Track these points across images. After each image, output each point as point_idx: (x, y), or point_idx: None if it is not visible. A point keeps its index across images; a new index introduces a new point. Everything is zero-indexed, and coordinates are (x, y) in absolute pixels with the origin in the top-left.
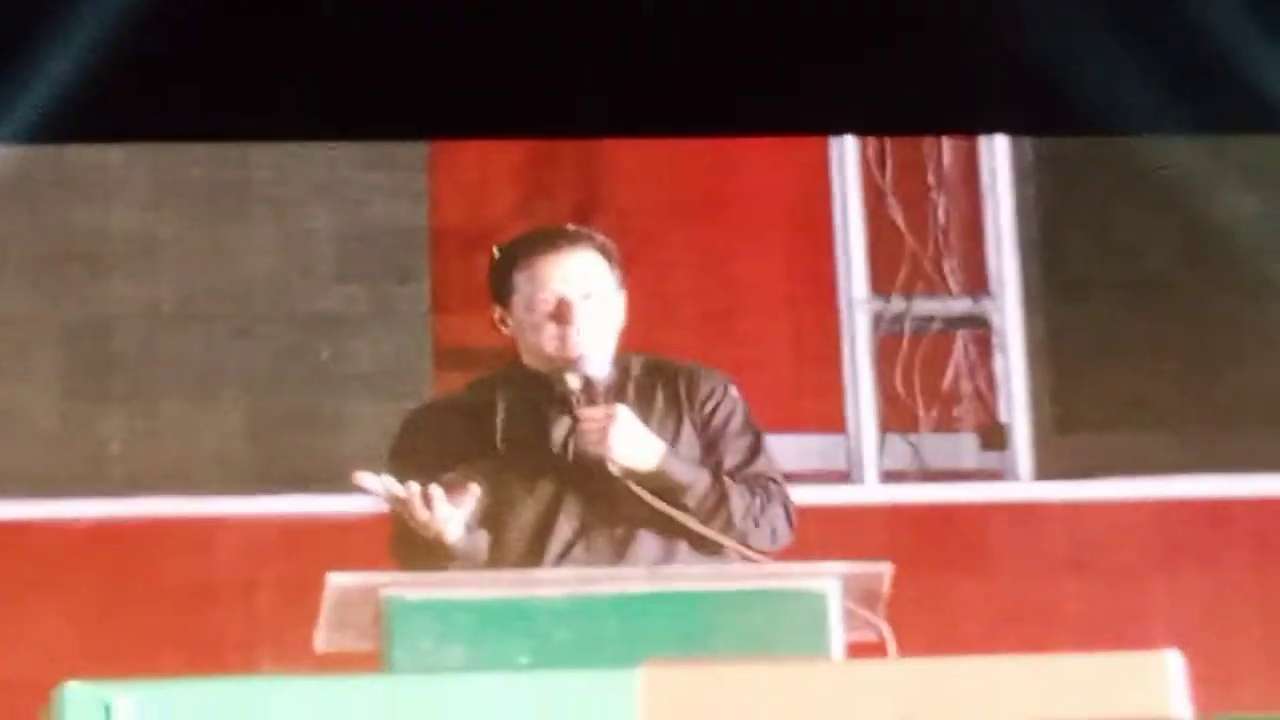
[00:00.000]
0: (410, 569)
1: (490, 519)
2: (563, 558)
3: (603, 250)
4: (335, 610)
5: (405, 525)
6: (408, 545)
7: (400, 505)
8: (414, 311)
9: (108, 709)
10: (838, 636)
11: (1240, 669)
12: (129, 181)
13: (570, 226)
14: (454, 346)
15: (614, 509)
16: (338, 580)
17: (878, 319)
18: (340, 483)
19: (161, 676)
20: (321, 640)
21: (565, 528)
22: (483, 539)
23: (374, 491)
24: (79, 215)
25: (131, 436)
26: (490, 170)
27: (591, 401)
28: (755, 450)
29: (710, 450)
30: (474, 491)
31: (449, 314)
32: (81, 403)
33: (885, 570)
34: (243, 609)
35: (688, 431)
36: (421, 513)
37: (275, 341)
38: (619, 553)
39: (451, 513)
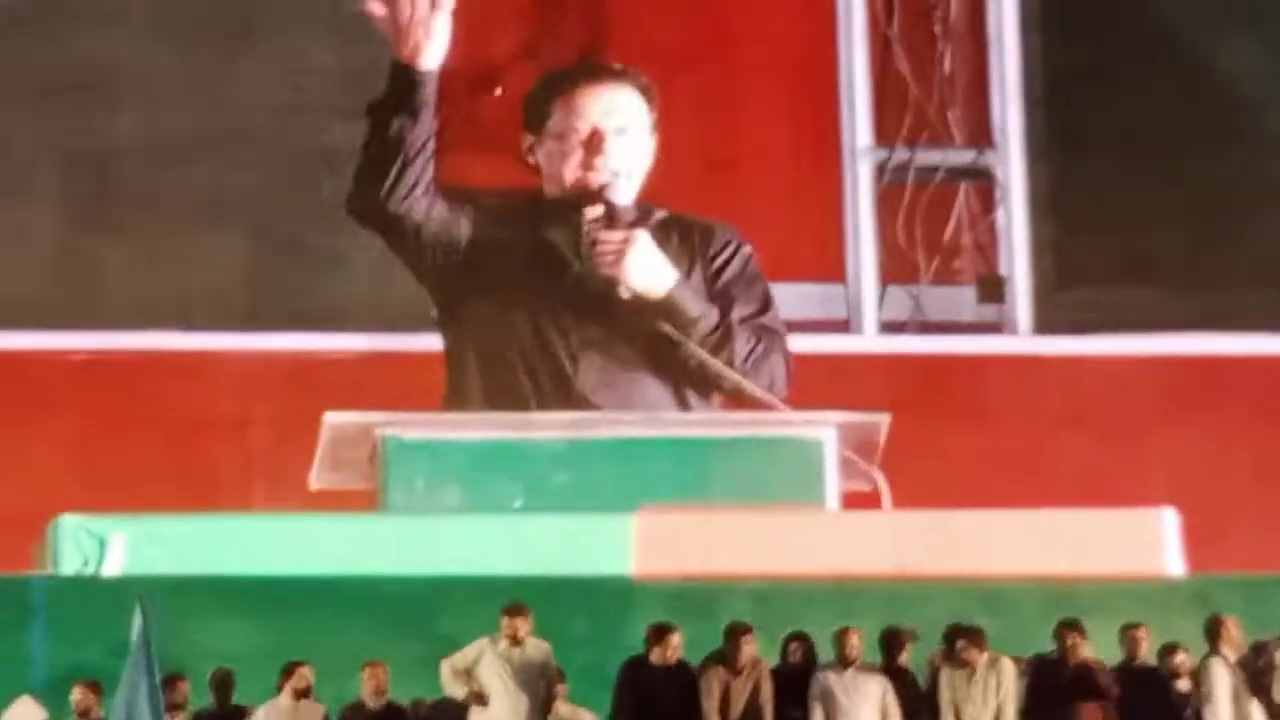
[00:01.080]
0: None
1: (491, 349)
2: (562, 391)
3: (643, 90)
4: (331, 449)
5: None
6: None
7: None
8: None
9: (102, 542)
10: (833, 485)
11: (1234, 527)
12: (131, 12)
13: (615, 65)
14: (456, 186)
15: (615, 339)
16: (334, 419)
17: (880, 169)
18: (339, 321)
19: (155, 511)
20: (316, 478)
21: (567, 357)
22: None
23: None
24: (81, 44)
25: (129, 269)
26: (495, 11)
27: (611, 226)
28: (765, 304)
29: (721, 299)
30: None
31: (451, 152)
32: (80, 234)
33: (882, 420)
34: (238, 445)
35: (697, 278)
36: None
37: (276, 176)
38: (613, 390)
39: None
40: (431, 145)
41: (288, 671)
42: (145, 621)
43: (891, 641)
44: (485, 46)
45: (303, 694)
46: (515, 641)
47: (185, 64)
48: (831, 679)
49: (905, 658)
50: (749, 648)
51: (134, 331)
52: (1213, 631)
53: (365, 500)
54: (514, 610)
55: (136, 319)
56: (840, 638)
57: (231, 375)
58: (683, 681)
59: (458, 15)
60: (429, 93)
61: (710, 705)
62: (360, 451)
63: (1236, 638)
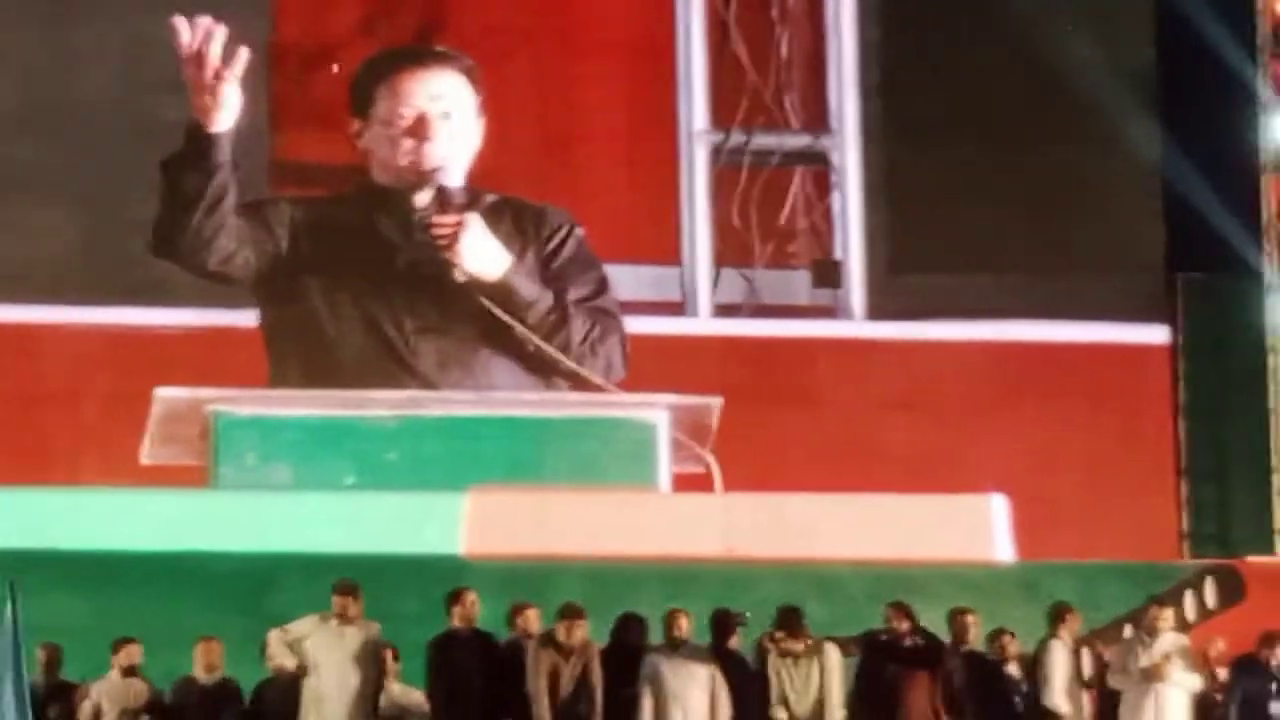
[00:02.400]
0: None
1: (318, 330)
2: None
3: (467, 73)
4: (162, 424)
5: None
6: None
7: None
8: (252, 126)
9: None
10: (665, 467)
11: (1063, 514)
12: None
13: (438, 47)
14: (290, 161)
15: (450, 322)
16: (165, 394)
17: (716, 151)
18: (171, 296)
19: None
20: (147, 453)
21: (396, 337)
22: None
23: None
24: None
25: None
26: None
27: (443, 210)
28: (600, 286)
29: (555, 282)
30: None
31: (287, 130)
32: None
33: (715, 404)
34: (69, 419)
35: (530, 262)
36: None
37: (111, 151)
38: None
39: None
40: (231, 195)
41: (116, 648)
42: (13, 601)
43: (721, 624)
44: (322, 23)
45: (130, 671)
46: (346, 620)
47: (19, 37)
48: (661, 661)
49: (735, 641)
50: (579, 630)
51: None
52: (1055, 617)
53: (197, 476)
54: (344, 588)
55: None
56: (669, 620)
57: (62, 349)
58: (492, 655)
59: None
60: (222, 151)
61: (539, 686)
62: (191, 427)
63: (1075, 626)
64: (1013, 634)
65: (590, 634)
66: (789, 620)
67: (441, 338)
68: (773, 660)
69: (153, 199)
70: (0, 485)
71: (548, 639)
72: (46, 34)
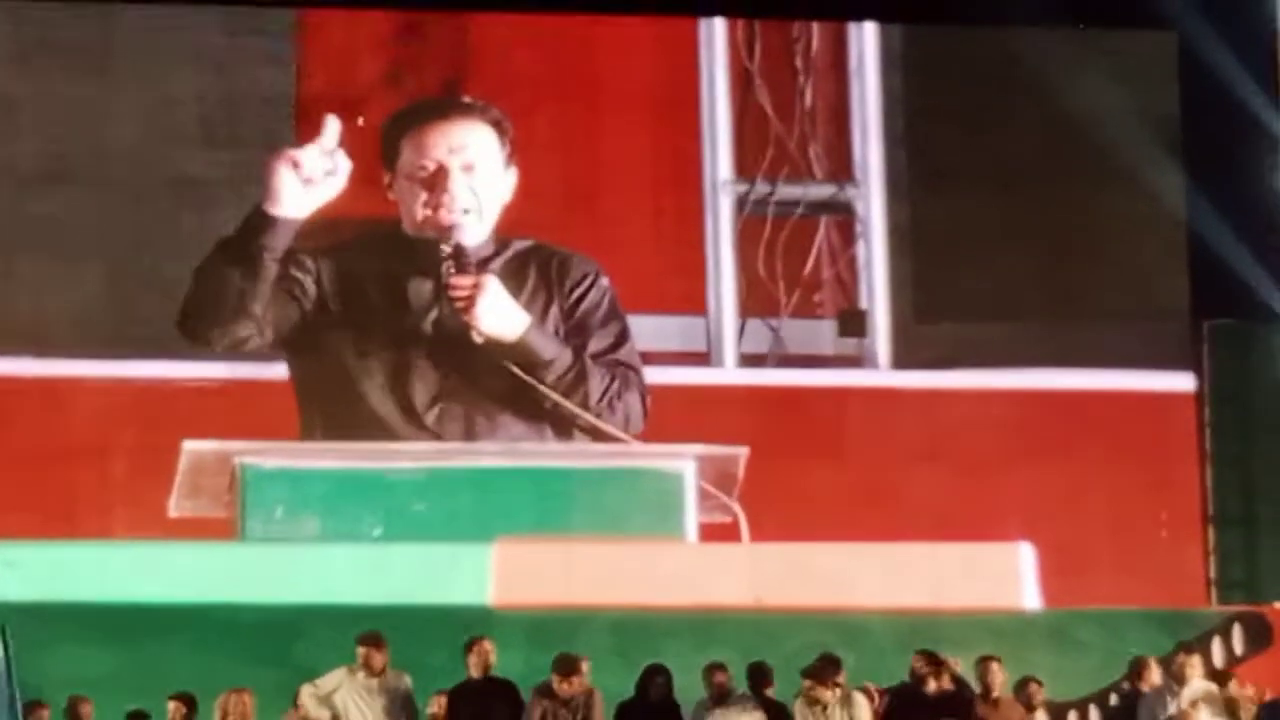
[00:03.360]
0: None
1: (345, 384)
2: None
3: (494, 124)
4: (190, 476)
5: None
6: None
7: None
8: None
9: None
10: (692, 517)
11: (1090, 562)
12: None
13: (466, 99)
14: (318, 215)
15: (472, 380)
16: (193, 446)
17: (741, 202)
18: (198, 349)
19: (14, 539)
20: (175, 506)
21: (421, 396)
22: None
23: None
24: None
25: None
26: (358, 40)
27: (462, 270)
28: (620, 338)
29: (577, 334)
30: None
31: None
32: None
33: (741, 453)
34: (97, 473)
35: (554, 313)
36: None
37: (137, 206)
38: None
39: (285, 185)
40: (266, 289)
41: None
42: (6, 649)
43: (757, 675)
44: (348, 76)
45: None
46: (372, 671)
47: (47, 93)
48: (711, 717)
49: (772, 690)
50: (577, 679)
51: None
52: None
53: (224, 528)
54: (370, 640)
55: None
56: (709, 674)
57: (90, 402)
58: (510, 702)
59: (321, 43)
60: (277, 239)
61: None
62: (219, 479)
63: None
64: (1040, 682)
65: (618, 683)
66: (821, 669)
67: (464, 394)
68: (799, 708)
69: (180, 253)
70: (29, 539)
71: (544, 690)
72: (73, 89)
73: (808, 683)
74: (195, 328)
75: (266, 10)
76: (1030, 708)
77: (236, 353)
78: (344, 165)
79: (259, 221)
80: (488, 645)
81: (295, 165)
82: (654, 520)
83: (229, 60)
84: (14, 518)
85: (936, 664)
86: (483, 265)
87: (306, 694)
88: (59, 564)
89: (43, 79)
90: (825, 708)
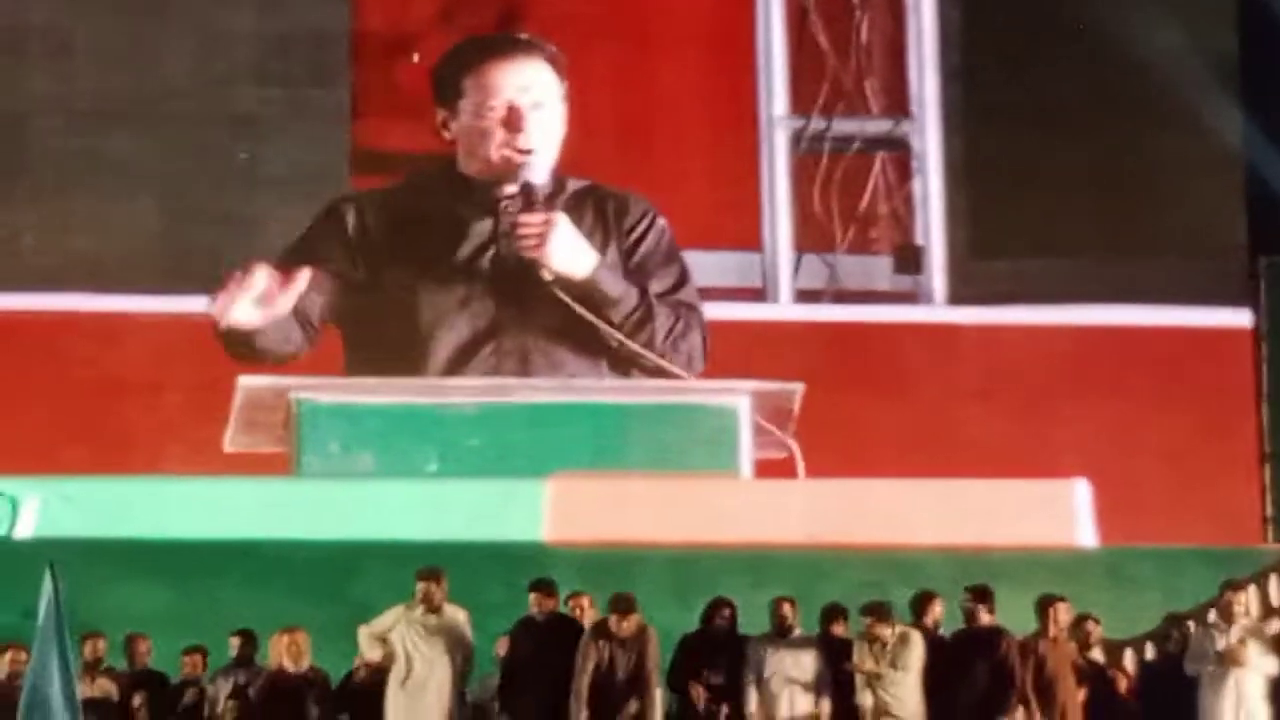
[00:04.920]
0: (231, 354)
1: (399, 320)
2: (468, 363)
3: (552, 61)
4: (245, 411)
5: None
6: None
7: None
8: (333, 115)
9: (14, 505)
10: (748, 453)
11: (1147, 499)
12: None
13: (523, 35)
14: (372, 150)
15: (529, 316)
16: (248, 382)
17: (797, 138)
18: None
19: (67, 473)
20: (230, 441)
21: (477, 331)
22: (295, 331)
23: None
24: None
25: (44, 231)
26: None
27: (529, 208)
28: (682, 279)
29: (637, 274)
30: (301, 280)
31: (368, 118)
32: None
33: (797, 389)
34: (151, 408)
35: (612, 253)
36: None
37: (191, 142)
38: (530, 366)
39: (235, 301)
40: (284, 325)
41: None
42: (55, 585)
43: (830, 614)
44: (403, 12)
45: (242, 659)
46: (432, 607)
47: (99, 30)
48: (767, 649)
49: (843, 628)
50: (631, 618)
51: (46, 293)
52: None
53: (280, 464)
54: (430, 574)
55: (49, 281)
56: (775, 607)
57: (144, 338)
58: (570, 631)
59: None
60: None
61: (582, 678)
62: (275, 415)
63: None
64: (1097, 620)
65: (673, 620)
66: (875, 610)
67: (520, 330)
68: (858, 644)
69: (232, 189)
70: (84, 475)
71: (600, 629)
72: (123, 28)
73: (867, 620)
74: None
75: None
76: (1086, 645)
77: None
78: (284, 303)
79: (232, 339)
80: (551, 602)
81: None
82: (709, 456)
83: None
84: (70, 452)
85: (986, 599)
86: (547, 204)
87: (363, 634)
88: (115, 500)
89: (97, 18)
90: (885, 645)
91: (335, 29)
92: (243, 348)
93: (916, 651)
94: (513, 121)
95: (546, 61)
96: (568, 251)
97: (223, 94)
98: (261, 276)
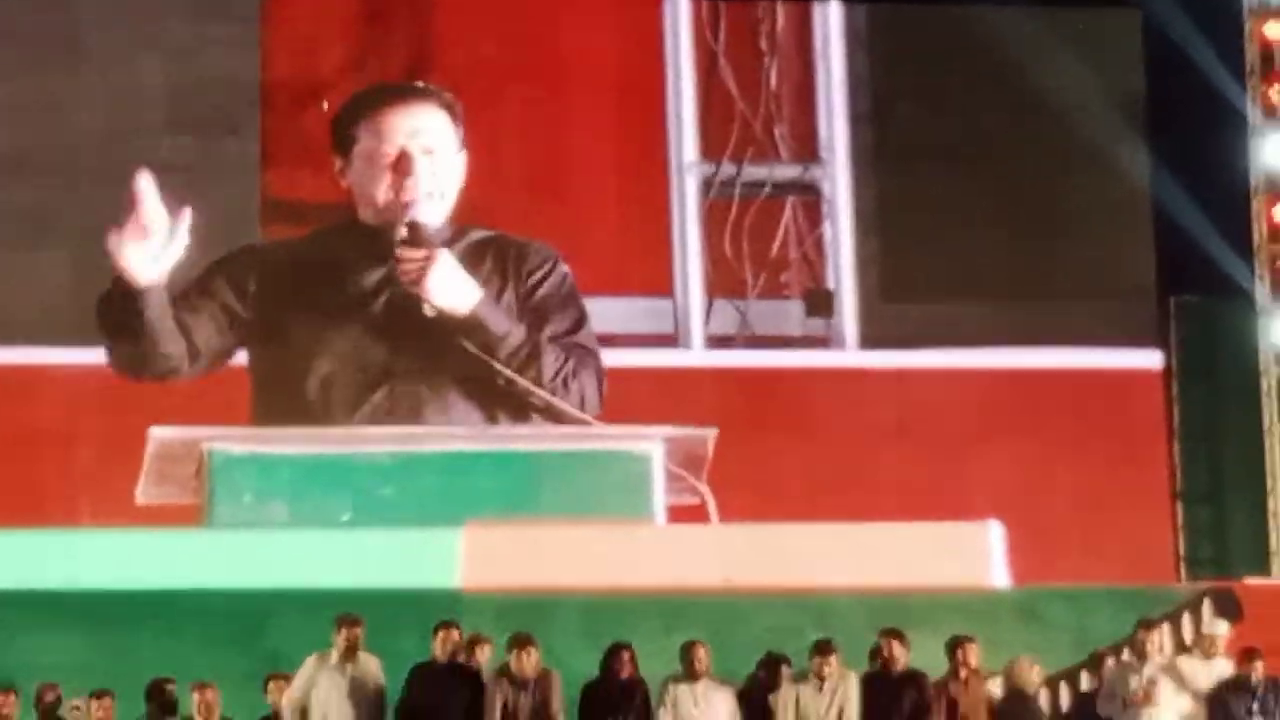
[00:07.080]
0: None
1: (295, 369)
2: (363, 409)
3: (448, 108)
4: (157, 463)
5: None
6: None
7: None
8: (243, 164)
9: None
10: (660, 499)
11: (1060, 540)
12: None
13: (418, 83)
14: (282, 199)
15: (423, 361)
16: (160, 433)
17: (707, 183)
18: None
19: None
20: (142, 492)
21: (371, 378)
22: (179, 338)
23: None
24: None
25: None
26: (322, 24)
27: (414, 244)
28: (578, 322)
29: (534, 318)
30: (184, 216)
31: (278, 167)
32: None
33: (709, 435)
34: (64, 460)
35: (509, 296)
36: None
37: (102, 193)
38: (422, 410)
39: (135, 244)
40: (168, 331)
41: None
42: None
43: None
44: (312, 61)
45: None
46: (349, 654)
47: (11, 82)
48: (682, 691)
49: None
50: (530, 659)
51: None
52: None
53: (192, 515)
54: (349, 620)
55: None
56: (687, 651)
57: (56, 391)
58: (468, 679)
59: (286, 29)
60: (149, 303)
61: (491, 717)
62: (187, 466)
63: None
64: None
65: (588, 665)
66: (827, 647)
67: (414, 374)
68: (790, 688)
69: None
70: None
71: (504, 671)
72: (36, 79)
73: (817, 659)
74: (123, 370)
75: None
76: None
77: (197, 367)
78: (183, 225)
79: (122, 299)
80: (454, 633)
81: (141, 234)
82: (622, 502)
83: (194, 46)
84: None
85: (900, 641)
86: (441, 246)
87: (286, 709)
88: (26, 551)
89: (6, 68)
90: (822, 682)
91: (245, 78)
92: (132, 316)
93: (854, 689)
94: (402, 166)
95: (441, 108)
96: (448, 286)
97: (133, 144)
98: (159, 211)
